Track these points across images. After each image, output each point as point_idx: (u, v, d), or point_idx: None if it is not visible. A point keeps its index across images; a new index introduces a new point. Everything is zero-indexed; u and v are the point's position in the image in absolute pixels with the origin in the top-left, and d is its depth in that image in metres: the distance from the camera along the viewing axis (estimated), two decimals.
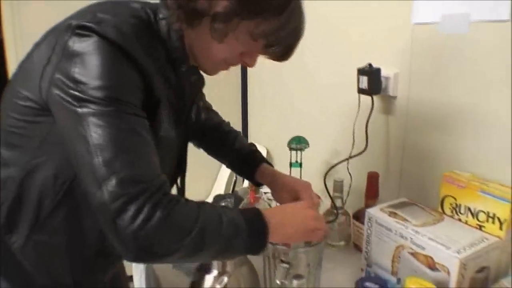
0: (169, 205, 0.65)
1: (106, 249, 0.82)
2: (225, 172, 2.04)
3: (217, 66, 0.84)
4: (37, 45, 0.74)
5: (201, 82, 0.88)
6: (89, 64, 0.64)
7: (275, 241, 0.83)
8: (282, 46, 0.80)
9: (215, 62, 0.82)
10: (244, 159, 1.11)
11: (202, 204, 0.71)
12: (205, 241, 0.67)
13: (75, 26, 0.66)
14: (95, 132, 0.63)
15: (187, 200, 0.70)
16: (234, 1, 0.71)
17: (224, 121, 1.19)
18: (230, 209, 0.75)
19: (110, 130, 0.63)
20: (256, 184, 1.11)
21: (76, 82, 0.64)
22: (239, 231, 0.71)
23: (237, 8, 0.71)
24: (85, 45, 0.65)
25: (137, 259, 0.65)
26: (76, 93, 0.64)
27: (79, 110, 0.63)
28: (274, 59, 0.83)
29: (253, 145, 1.14)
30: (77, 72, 0.64)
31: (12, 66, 1.65)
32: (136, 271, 1.23)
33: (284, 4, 0.74)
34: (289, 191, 1.00)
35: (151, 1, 0.80)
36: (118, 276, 1.03)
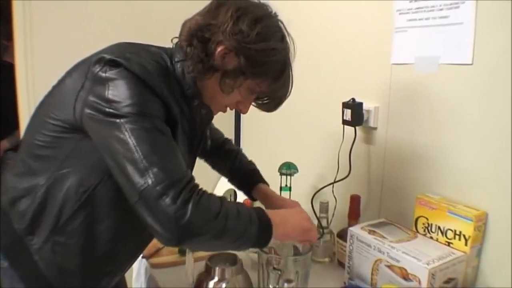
0: (200, 192, 0.77)
1: (113, 254, 0.92)
2: (218, 191, 2.13)
3: (219, 110, 1.00)
4: (69, 73, 0.87)
5: (210, 115, 1.01)
6: (120, 87, 0.77)
7: (276, 238, 0.92)
8: (275, 102, 0.99)
9: (219, 106, 0.99)
10: (243, 178, 1.24)
11: (221, 196, 0.83)
12: (228, 223, 0.78)
13: (108, 59, 0.78)
14: (133, 134, 0.74)
15: (210, 193, 0.81)
16: (242, 63, 0.87)
17: (227, 139, 1.33)
18: (243, 204, 0.86)
19: (145, 132, 0.75)
20: (252, 199, 1.24)
21: (110, 101, 0.76)
22: (252, 220, 0.83)
23: (244, 69, 0.88)
24: (115, 73, 0.77)
25: (175, 237, 0.74)
26: (111, 110, 0.76)
27: (117, 120, 0.75)
28: (264, 110, 1.02)
29: (251, 163, 1.28)
30: (110, 93, 0.76)
31: (21, 90, 1.75)
32: (138, 277, 1.30)
33: (281, 72, 0.93)
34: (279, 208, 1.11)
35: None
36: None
